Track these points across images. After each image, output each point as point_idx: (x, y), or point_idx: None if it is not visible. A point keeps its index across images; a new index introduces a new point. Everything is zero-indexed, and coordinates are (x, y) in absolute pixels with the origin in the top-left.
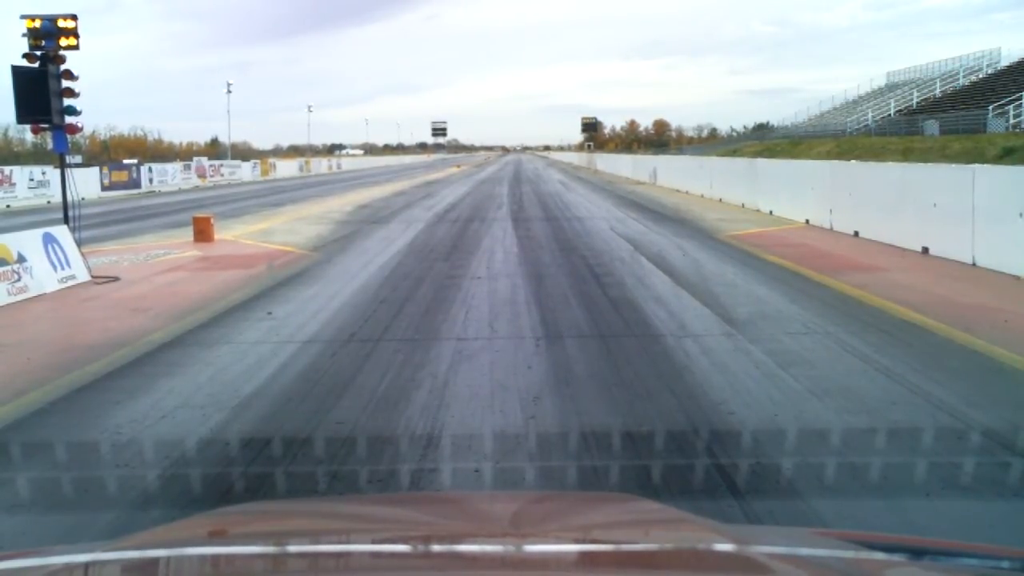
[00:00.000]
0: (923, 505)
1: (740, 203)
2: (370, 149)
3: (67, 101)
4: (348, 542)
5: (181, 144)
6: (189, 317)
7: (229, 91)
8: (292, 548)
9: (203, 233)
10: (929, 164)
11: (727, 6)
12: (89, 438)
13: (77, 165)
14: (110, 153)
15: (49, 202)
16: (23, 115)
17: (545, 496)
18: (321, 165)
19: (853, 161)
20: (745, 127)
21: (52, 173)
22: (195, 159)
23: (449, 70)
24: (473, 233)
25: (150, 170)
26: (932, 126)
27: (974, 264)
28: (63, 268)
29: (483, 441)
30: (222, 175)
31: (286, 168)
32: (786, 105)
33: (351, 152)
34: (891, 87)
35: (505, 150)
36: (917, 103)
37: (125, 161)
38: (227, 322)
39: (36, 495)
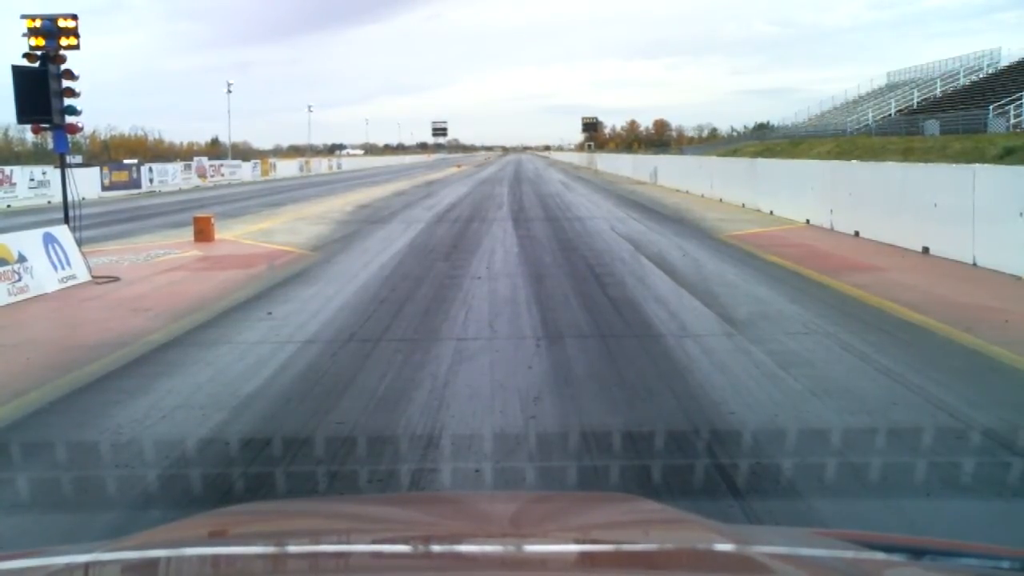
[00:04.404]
0: (923, 505)
1: (740, 203)
2: (370, 149)
3: (67, 101)
4: (348, 542)
5: (182, 144)
6: (189, 317)
7: (229, 91)
8: (292, 548)
9: (203, 233)
10: (929, 164)
11: (729, 6)
12: (89, 438)
13: (77, 165)
14: (110, 153)
15: (49, 202)
16: (23, 115)
17: (545, 496)
18: (321, 165)
19: (853, 161)
20: (745, 127)
21: (52, 173)
22: (195, 159)
23: (449, 70)
24: (473, 233)
25: (150, 170)
26: (932, 126)
27: (974, 264)
28: (63, 268)
29: (483, 441)
30: (222, 175)
31: (286, 168)
32: (787, 105)
33: (351, 152)
34: (891, 87)
35: (505, 150)
36: (917, 103)
37: (125, 161)
38: (227, 322)
39: (36, 495)
